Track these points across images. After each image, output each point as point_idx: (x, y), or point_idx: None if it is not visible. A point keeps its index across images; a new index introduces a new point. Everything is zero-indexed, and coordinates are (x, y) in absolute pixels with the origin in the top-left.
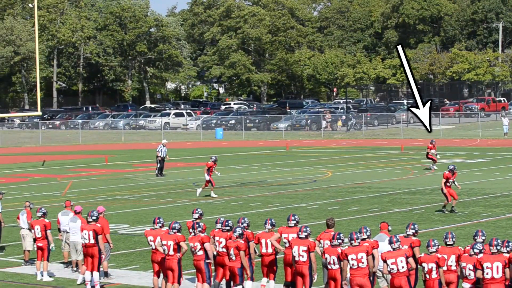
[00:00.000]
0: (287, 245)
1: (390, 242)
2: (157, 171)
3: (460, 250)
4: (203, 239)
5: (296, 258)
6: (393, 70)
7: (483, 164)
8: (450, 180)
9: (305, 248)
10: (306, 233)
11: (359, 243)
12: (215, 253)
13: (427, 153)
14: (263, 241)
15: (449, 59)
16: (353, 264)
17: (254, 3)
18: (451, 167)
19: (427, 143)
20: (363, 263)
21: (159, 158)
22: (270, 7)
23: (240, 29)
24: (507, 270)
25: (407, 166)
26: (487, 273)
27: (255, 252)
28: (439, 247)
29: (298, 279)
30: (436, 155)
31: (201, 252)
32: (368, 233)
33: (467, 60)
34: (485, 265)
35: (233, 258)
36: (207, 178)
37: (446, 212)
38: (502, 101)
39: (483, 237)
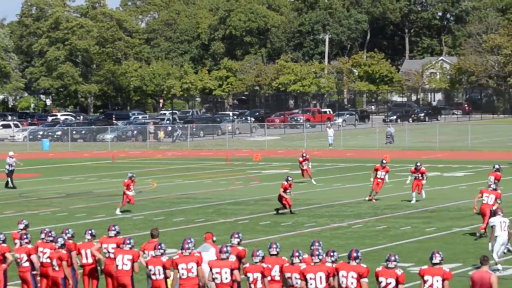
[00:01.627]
0: (107, 255)
1: (220, 252)
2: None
3: (284, 260)
4: (29, 250)
5: (120, 267)
6: (219, 81)
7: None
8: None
9: (130, 257)
10: (130, 245)
11: (189, 253)
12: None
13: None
14: (83, 251)
15: (275, 71)
16: (182, 274)
17: (82, 15)
18: (290, 178)
19: (253, 154)
20: (193, 273)
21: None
22: (98, 19)
23: (68, 40)
24: (331, 279)
25: (232, 177)
26: (311, 284)
27: (77, 263)
28: (264, 257)
29: None
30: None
31: (27, 264)
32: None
33: (293, 71)
34: (308, 276)
35: (56, 268)
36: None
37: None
38: (328, 112)
39: (313, 248)
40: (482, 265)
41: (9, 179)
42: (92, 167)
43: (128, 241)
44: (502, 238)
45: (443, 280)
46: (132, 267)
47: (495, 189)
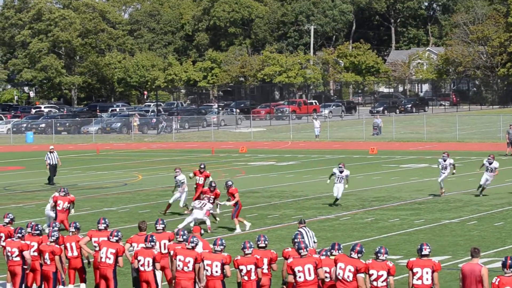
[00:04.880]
0: (96, 248)
1: (214, 244)
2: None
3: (272, 253)
4: (22, 246)
5: (103, 260)
6: (204, 72)
7: (295, 167)
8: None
9: (114, 251)
10: (117, 238)
11: (192, 247)
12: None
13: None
14: (68, 244)
15: (260, 62)
16: (178, 265)
17: (65, 6)
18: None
19: (238, 145)
20: (188, 267)
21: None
22: (81, 10)
23: (51, 32)
24: (319, 270)
25: (218, 169)
26: (300, 277)
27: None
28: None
29: (101, 282)
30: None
31: (18, 258)
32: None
33: (279, 62)
34: (296, 269)
35: (48, 262)
36: None
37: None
38: (314, 104)
39: (303, 239)
40: (473, 258)
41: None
42: (76, 159)
43: (115, 233)
44: None
45: (433, 271)
46: (116, 260)
47: None
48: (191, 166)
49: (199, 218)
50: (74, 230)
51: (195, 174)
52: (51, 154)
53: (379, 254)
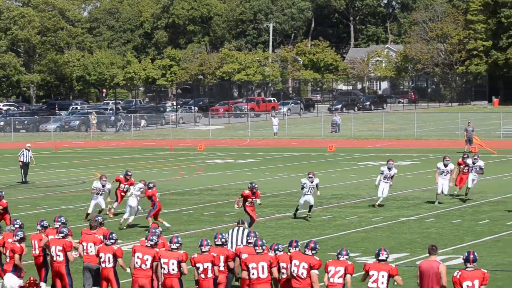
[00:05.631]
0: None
1: (170, 242)
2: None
3: (229, 250)
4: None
5: (54, 258)
6: (163, 70)
7: (253, 164)
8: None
9: (61, 248)
10: (63, 234)
11: (150, 245)
12: None
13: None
14: (33, 242)
15: (219, 59)
16: (136, 262)
17: (24, 4)
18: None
19: (197, 143)
20: (146, 265)
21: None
22: (40, 8)
23: (9, 30)
24: (273, 269)
25: (176, 167)
26: (253, 274)
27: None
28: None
29: (56, 281)
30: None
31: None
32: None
33: (237, 60)
34: (250, 265)
35: (7, 260)
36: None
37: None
38: (272, 101)
39: (255, 238)
40: (430, 255)
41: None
42: (35, 157)
43: (61, 230)
44: None
45: (389, 276)
46: (66, 257)
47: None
48: (150, 164)
49: (132, 206)
50: (40, 228)
51: (119, 181)
52: (26, 151)
53: (339, 256)
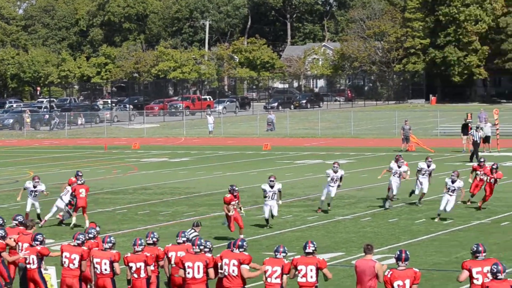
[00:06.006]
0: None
1: (103, 241)
2: None
3: (159, 250)
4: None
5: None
6: (98, 68)
7: (188, 163)
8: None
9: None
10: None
11: (77, 244)
12: None
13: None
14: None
15: (155, 57)
16: (64, 262)
17: None
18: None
19: (131, 142)
20: (74, 264)
21: None
22: None
23: None
24: (210, 270)
25: (110, 166)
26: (188, 273)
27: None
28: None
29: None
30: None
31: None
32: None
33: (173, 58)
34: (186, 264)
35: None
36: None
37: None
38: (208, 99)
39: (183, 238)
40: (366, 254)
41: None
42: None
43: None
44: None
45: (317, 269)
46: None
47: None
48: (83, 163)
49: (60, 207)
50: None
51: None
52: None
53: (276, 253)
